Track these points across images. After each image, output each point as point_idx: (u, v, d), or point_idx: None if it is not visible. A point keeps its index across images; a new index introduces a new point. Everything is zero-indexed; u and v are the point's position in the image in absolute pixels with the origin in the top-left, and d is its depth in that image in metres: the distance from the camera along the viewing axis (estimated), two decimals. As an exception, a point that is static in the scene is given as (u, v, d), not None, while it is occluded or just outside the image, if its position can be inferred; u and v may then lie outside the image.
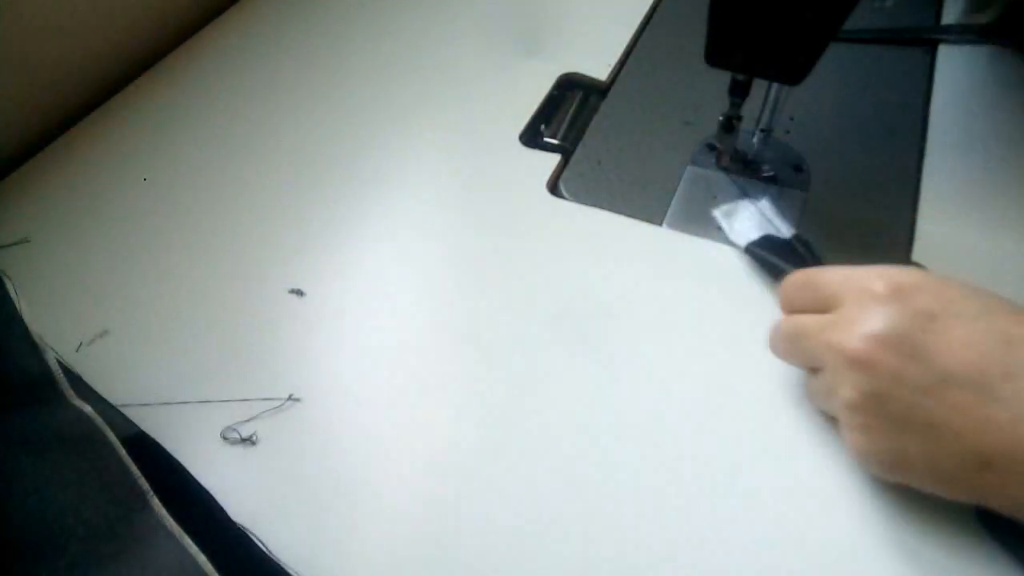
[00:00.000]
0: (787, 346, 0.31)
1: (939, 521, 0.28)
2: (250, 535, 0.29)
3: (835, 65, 0.49)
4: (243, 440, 0.32)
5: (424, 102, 0.49)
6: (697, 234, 0.40)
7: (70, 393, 0.32)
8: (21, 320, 0.34)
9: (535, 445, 0.32)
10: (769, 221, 0.39)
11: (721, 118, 0.40)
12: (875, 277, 0.27)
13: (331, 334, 0.37)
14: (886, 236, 0.39)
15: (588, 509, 0.30)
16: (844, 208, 0.41)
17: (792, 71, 0.35)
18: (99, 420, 0.31)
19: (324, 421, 0.33)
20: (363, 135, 0.47)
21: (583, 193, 0.43)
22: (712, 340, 0.35)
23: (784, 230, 0.38)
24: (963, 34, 0.52)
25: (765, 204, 0.40)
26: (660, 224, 0.41)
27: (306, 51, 0.54)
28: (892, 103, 0.48)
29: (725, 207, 0.40)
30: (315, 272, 0.39)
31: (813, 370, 0.30)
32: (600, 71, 0.51)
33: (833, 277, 0.29)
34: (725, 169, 0.43)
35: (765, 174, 0.43)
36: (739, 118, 0.40)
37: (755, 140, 0.42)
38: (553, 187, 0.44)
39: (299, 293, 0.38)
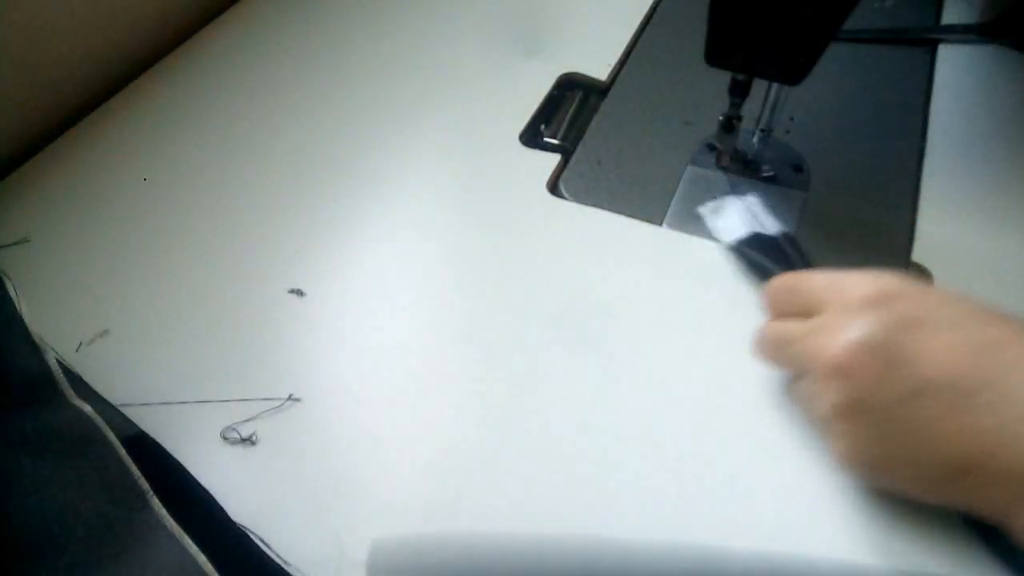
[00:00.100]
0: (771, 351, 0.31)
1: (930, 520, 0.28)
2: (250, 535, 0.29)
3: (835, 65, 0.49)
4: (243, 440, 0.32)
5: (424, 102, 0.49)
6: (697, 234, 0.40)
7: (70, 393, 0.32)
8: (21, 320, 0.34)
9: (535, 445, 0.32)
10: (756, 217, 0.38)
11: (721, 118, 0.40)
12: (857, 283, 0.28)
13: (331, 334, 0.37)
14: (886, 236, 0.39)
15: (588, 509, 0.30)
16: (844, 208, 0.41)
17: (792, 71, 0.35)
18: (99, 420, 0.31)
19: (324, 421, 0.33)
20: (363, 135, 0.47)
21: (583, 193, 0.43)
22: (712, 340, 0.35)
23: (771, 227, 0.38)
24: (963, 34, 0.52)
25: (752, 200, 0.39)
26: (660, 224, 0.41)
27: (306, 51, 0.54)
28: (892, 103, 0.48)
29: (712, 204, 0.40)
30: (315, 272, 0.39)
31: (797, 375, 0.30)
32: (600, 71, 0.51)
33: (816, 282, 0.29)
34: (725, 169, 0.43)
35: (765, 174, 0.43)
36: (739, 118, 0.40)
37: (755, 140, 0.42)
38: (553, 187, 0.44)
39: (299, 293, 0.38)
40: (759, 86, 0.38)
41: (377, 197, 0.43)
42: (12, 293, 0.36)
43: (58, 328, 0.36)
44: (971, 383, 0.24)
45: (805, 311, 0.29)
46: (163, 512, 0.28)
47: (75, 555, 0.27)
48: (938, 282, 0.37)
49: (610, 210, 0.41)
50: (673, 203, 0.42)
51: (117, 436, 0.31)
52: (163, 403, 0.34)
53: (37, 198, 0.44)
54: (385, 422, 0.33)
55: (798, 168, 0.43)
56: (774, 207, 0.39)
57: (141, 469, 0.30)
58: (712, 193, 0.41)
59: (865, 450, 0.27)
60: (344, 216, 0.42)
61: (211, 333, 0.37)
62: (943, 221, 0.40)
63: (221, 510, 0.30)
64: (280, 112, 0.49)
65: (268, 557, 0.28)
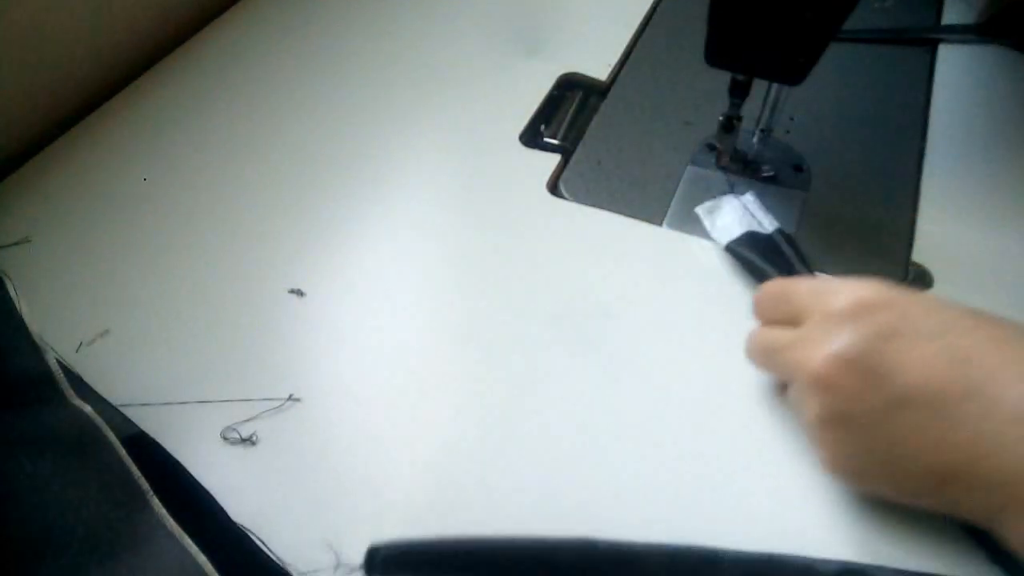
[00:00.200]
0: (760, 358, 0.32)
1: (929, 520, 0.28)
2: (250, 535, 0.29)
3: (835, 65, 0.49)
4: (243, 440, 0.32)
5: (424, 102, 0.49)
6: (697, 234, 0.40)
7: (70, 393, 0.32)
8: (21, 320, 0.34)
9: (535, 445, 0.32)
10: (753, 216, 0.38)
11: (721, 118, 0.40)
12: (839, 293, 0.27)
13: (331, 334, 0.37)
14: (886, 236, 0.39)
15: (587, 508, 0.30)
16: (844, 208, 0.41)
17: (792, 71, 0.35)
18: (99, 420, 0.31)
19: (324, 421, 0.33)
20: (363, 135, 0.47)
21: (583, 193, 0.43)
22: (712, 340, 0.35)
23: (768, 225, 0.38)
24: (963, 34, 0.52)
25: (749, 198, 0.39)
26: (660, 224, 0.41)
27: (306, 51, 0.54)
28: (892, 103, 0.48)
29: (708, 204, 0.40)
30: (315, 272, 0.39)
31: (786, 381, 0.30)
32: (600, 71, 0.51)
33: (802, 291, 0.30)
34: (725, 169, 0.43)
35: (765, 174, 0.43)
36: (739, 118, 0.40)
37: (755, 140, 0.42)
38: (553, 187, 0.44)
39: (299, 293, 0.38)
40: (759, 86, 0.38)
41: (377, 197, 0.43)
42: (12, 293, 0.36)
43: (58, 328, 0.36)
44: (951, 394, 0.24)
45: (791, 319, 0.29)
46: (163, 512, 0.28)
47: (75, 555, 0.27)
48: (938, 282, 0.37)
49: (610, 210, 0.41)
50: (673, 203, 0.42)
51: (117, 436, 0.31)
52: (163, 403, 0.34)
53: (37, 198, 0.44)
54: (385, 422, 0.33)
55: (798, 168, 0.43)
56: (774, 207, 0.39)
57: (141, 469, 0.30)
58: (712, 193, 0.41)
59: (848, 459, 0.27)
60: (344, 216, 0.42)
61: (211, 333, 0.37)
62: (943, 221, 0.40)
63: (221, 510, 0.30)
64: (280, 112, 0.49)
65: (268, 557, 0.28)
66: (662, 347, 0.35)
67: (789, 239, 0.37)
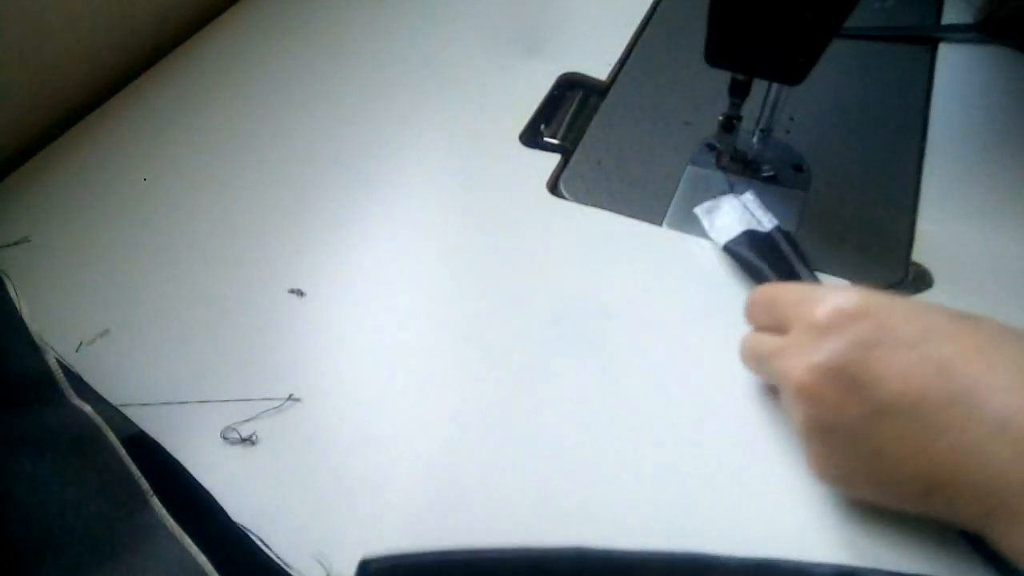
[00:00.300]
0: (751, 363, 0.32)
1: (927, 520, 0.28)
2: (250, 535, 0.29)
3: (835, 65, 0.49)
4: (243, 440, 0.32)
5: (424, 102, 0.49)
6: (697, 234, 0.40)
7: (70, 393, 0.32)
8: (21, 320, 0.34)
9: (535, 444, 0.32)
10: (752, 214, 0.38)
11: (721, 118, 0.40)
12: (822, 302, 0.27)
13: (331, 334, 0.37)
14: (886, 236, 0.39)
15: (587, 508, 0.30)
16: (844, 208, 0.41)
17: (792, 71, 0.35)
18: (99, 420, 0.31)
19: (324, 421, 0.33)
20: (363, 135, 0.47)
21: (583, 193, 0.43)
22: (712, 340, 0.35)
23: (767, 223, 0.38)
24: (963, 33, 0.52)
25: (749, 197, 0.39)
26: (660, 224, 0.41)
27: (306, 51, 0.54)
28: (892, 103, 0.48)
29: (707, 204, 0.40)
30: (315, 272, 0.39)
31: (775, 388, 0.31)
32: (600, 71, 0.51)
33: (791, 298, 0.30)
34: (725, 169, 0.43)
35: (765, 174, 0.43)
36: (739, 118, 0.40)
37: (755, 140, 0.42)
38: (553, 187, 0.44)
39: (299, 293, 0.38)
40: (759, 86, 0.38)
41: (377, 197, 0.43)
42: (12, 293, 0.36)
43: (58, 328, 0.36)
44: (933, 402, 0.24)
45: (778, 327, 0.30)
46: (163, 512, 0.28)
47: (75, 555, 0.27)
48: (938, 282, 0.37)
49: (610, 210, 0.41)
50: (673, 203, 0.42)
51: (117, 436, 0.31)
52: (163, 403, 0.34)
53: (37, 198, 0.44)
54: (385, 422, 0.33)
55: (798, 168, 0.43)
56: (774, 207, 0.39)
57: (141, 469, 0.30)
58: (712, 193, 0.41)
59: (835, 467, 0.28)
60: (344, 216, 0.42)
61: (211, 333, 0.37)
62: (943, 221, 0.40)
63: (221, 510, 0.30)
64: (280, 112, 0.49)
65: (268, 557, 0.28)
66: (661, 347, 0.35)
67: (788, 237, 0.37)
